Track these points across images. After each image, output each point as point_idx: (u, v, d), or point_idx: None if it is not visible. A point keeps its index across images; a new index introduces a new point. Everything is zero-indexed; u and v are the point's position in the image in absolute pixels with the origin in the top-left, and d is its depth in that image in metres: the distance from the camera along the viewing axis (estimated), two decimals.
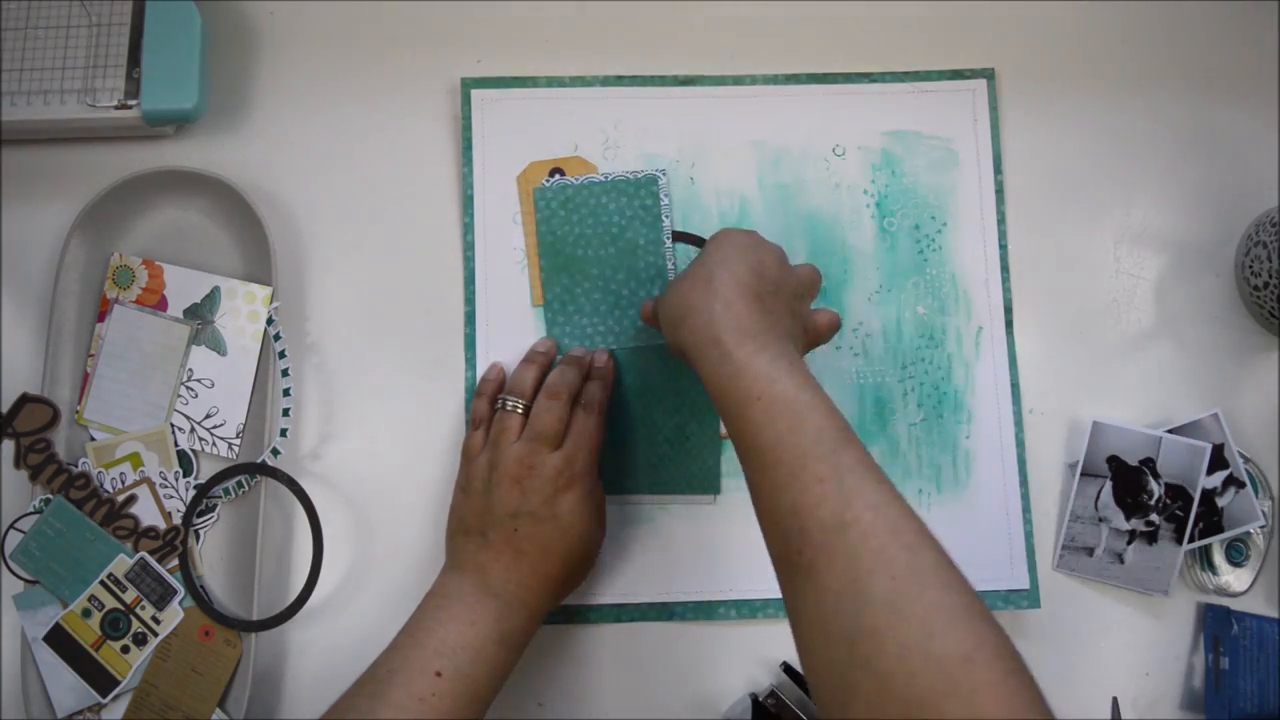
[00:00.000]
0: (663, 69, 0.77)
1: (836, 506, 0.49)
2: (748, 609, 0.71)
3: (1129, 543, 0.71)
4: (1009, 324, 0.75)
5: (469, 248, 0.74)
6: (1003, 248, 0.76)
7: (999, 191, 0.76)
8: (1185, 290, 0.76)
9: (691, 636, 0.71)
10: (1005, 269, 0.75)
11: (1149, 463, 0.72)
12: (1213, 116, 0.78)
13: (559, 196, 0.73)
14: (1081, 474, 0.72)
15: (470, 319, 0.73)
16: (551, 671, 0.71)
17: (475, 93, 0.76)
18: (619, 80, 0.77)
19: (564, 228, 0.73)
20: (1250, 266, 0.74)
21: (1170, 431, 0.72)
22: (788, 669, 0.69)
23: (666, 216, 0.73)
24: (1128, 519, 0.71)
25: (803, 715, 0.67)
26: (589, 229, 0.73)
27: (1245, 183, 0.77)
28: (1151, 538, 0.71)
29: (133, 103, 0.72)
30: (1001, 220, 0.76)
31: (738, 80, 0.77)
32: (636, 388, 0.71)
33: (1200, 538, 0.71)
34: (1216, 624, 0.71)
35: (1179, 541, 0.71)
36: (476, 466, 0.66)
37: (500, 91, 0.76)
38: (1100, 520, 0.72)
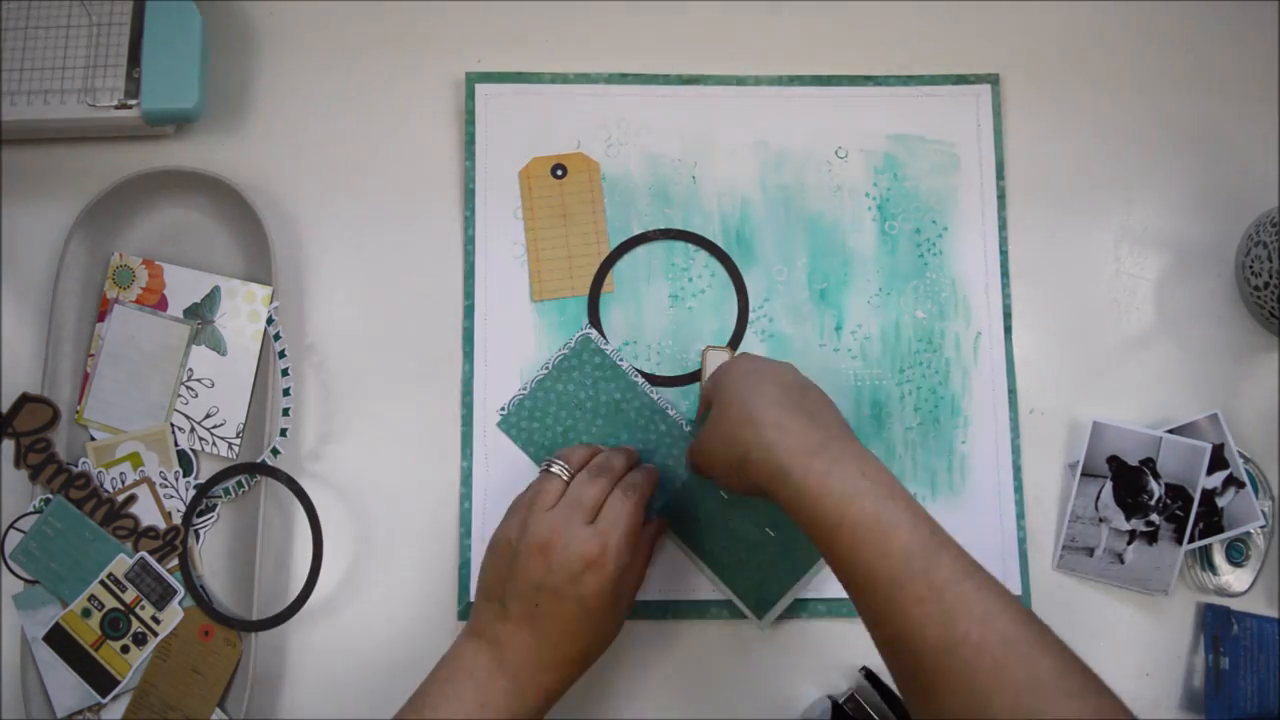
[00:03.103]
0: (667, 68, 0.77)
1: (941, 627, 0.48)
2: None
3: (1129, 543, 0.71)
4: (1008, 330, 0.75)
5: (469, 241, 0.74)
6: (1003, 253, 0.76)
7: (1001, 197, 0.76)
8: (1185, 290, 0.76)
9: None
10: (1005, 274, 0.75)
11: (1149, 463, 0.72)
12: (1213, 116, 0.78)
13: (521, 413, 0.72)
14: (1082, 474, 0.72)
15: (469, 313, 0.74)
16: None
17: (480, 87, 0.76)
18: (623, 78, 0.77)
19: (547, 435, 0.71)
20: (1250, 266, 0.74)
21: (1170, 432, 0.72)
22: (868, 674, 0.69)
23: (620, 360, 0.72)
24: (1128, 519, 0.71)
25: None
26: (565, 420, 0.71)
27: (1245, 183, 0.77)
28: (1151, 538, 0.71)
29: (133, 103, 0.72)
30: (1003, 226, 0.76)
31: (741, 81, 0.77)
32: (710, 511, 0.70)
33: (1200, 538, 0.71)
34: (1216, 624, 0.71)
35: (1179, 541, 0.71)
36: (508, 526, 0.62)
37: (504, 87, 0.76)
38: (1100, 520, 0.72)
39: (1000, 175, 0.76)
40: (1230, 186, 0.77)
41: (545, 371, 0.72)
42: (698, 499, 0.71)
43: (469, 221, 0.75)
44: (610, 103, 0.77)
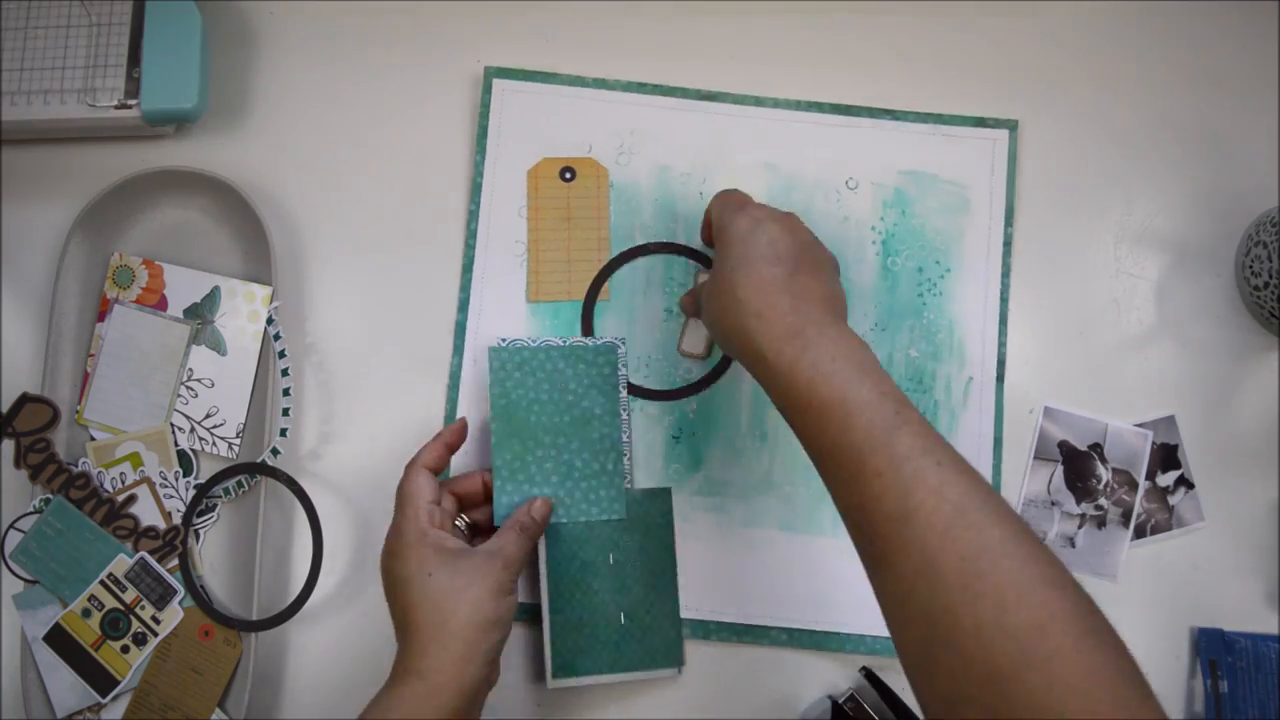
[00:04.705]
0: (686, 81, 0.77)
1: (897, 499, 0.50)
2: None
3: (1080, 527, 0.73)
4: (1000, 378, 0.74)
5: (471, 235, 0.74)
6: (1004, 300, 0.75)
7: (1007, 244, 0.75)
8: (1185, 290, 0.76)
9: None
10: (1004, 322, 0.74)
11: (1097, 449, 0.73)
12: (1213, 116, 0.78)
13: (515, 358, 0.70)
14: (1035, 458, 0.73)
15: (464, 306, 0.73)
16: None
17: (497, 82, 0.76)
18: (641, 87, 0.76)
19: (518, 390, 0.69)
20: (1250, 266, 0.74)
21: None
22: (868, 673, 0.69)
23: (623, 388, 0.71)
24: (1078, 503, 0.73)
25: None
26: (544, 394, 0.70)
27: (1245, 183, 0.77)
28: (1100, 522, 0.73)
29: (133, 103, 0.72)
30: (1006, 273, 0.75)
31: (759, 101, 0.77)
32: (590, 563, 0.68)
33: (1153, 533, 0.72)
34: (1211, 648, 0.71)
35: (1127, 526, 0.72)
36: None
37: (522, 84, 0.76)
38: (1053, 504, 0.73)
39: (1009, 222, 0.76)
40: (1230, 186, 0.77)
41: (560, 344, 0.71)
42: (585, 549, 0.68)
43: (472, 216, 0.75)
44: (625, 111, 0.76)
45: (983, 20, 0.79)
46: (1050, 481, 0.73)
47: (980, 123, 0.77)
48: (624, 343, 0.72)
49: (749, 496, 0.72)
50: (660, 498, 0.70)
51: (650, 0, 0.78)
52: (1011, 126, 0.77)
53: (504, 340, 0.71)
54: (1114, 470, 0.73)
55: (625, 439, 0.70)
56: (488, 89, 0.76)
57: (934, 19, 0.79)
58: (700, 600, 0.71)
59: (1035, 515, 0.73)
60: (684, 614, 0.70)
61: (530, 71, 0.76)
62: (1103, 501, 0.73)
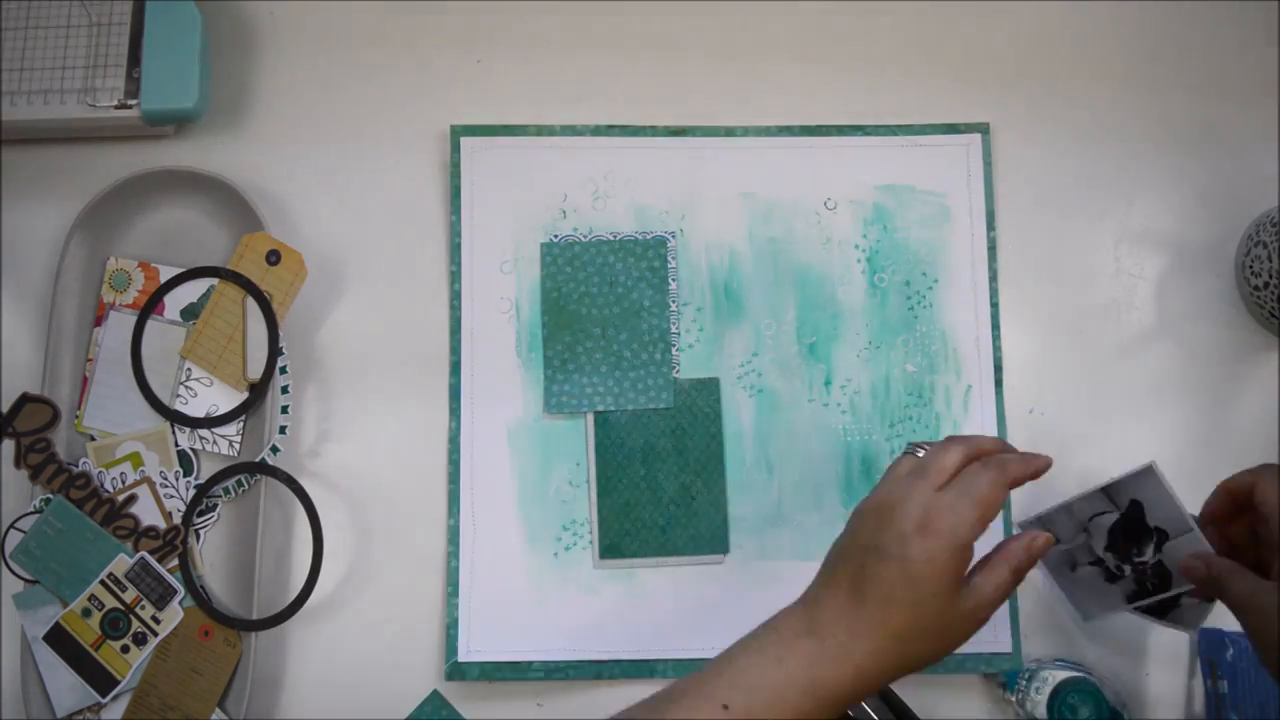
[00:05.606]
0: (654, 119, 0.76)
1: None
2: None
3: (1090, 564, 0.67)
4: (998, 383, 0.74)
5: (455, 296, 0.74)
6: (994, 305, 0.75)
7: (991, 248, 0.75)
8: (1185, 290, 0.76)
9: None
10: (996, 327, 0.74)
11: (1163, 533, 0.63)
12: (1213, 116, 0.78)
13: (566, 253, 0.72)
14: (1102, 489, 0.64)
15: (455, 369, 0.73)
16: None
17: (465, 140, 0.75)
18: (609, 130, 0.76)
19: (569, 284, 0.72)
20: (1250, 266, 0.74)
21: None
22: None
23: (673, 280, 0.73)
24: (1105, 549, 0.66)
25: None
26: (593, 287, 0.72)
27: (1245, 183, 0.77)
28: (1110, 577, 0.66)
29: (133, 102, 0.72)
30: (993, 278, 0.75)
31: (729, 131, 0.76)
32: (639, 450, 0.71)
33: (1153, 592, 0.64)
34: (1211, 648, 0.70)
35: (1128, 601, 0.65)
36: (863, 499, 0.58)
37: (490, 140, 0.75)
38: (1084, 530, 0.66)
39: (991, 226, 0.76)
40: (1230, 186, 0.77)
41: (610, 238, 0.73)
42: (634, 436, 0.71)
43: (455, 277, 0.74)
44: (596, 155, 0.75)
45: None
46: (1098, 514, 0.64)
47: (951, 129, 0.77)
48: (674, 237, 0.74)
49: (761, 531, 0.72)
50: (709, 388, 0.72)
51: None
52: (983, 130, 0.77)
53: (556, 236, 0.73)
54: (1159, 561, 0.63)
55: (674, 331, 0.72)
56: (456, 148, 0.75)
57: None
58: (727, 641, 0.70)
59: (1062, 522, 0.68)
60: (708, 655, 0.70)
61: (496, 126, 0.75)
62: (1126, 569, 0.66)
